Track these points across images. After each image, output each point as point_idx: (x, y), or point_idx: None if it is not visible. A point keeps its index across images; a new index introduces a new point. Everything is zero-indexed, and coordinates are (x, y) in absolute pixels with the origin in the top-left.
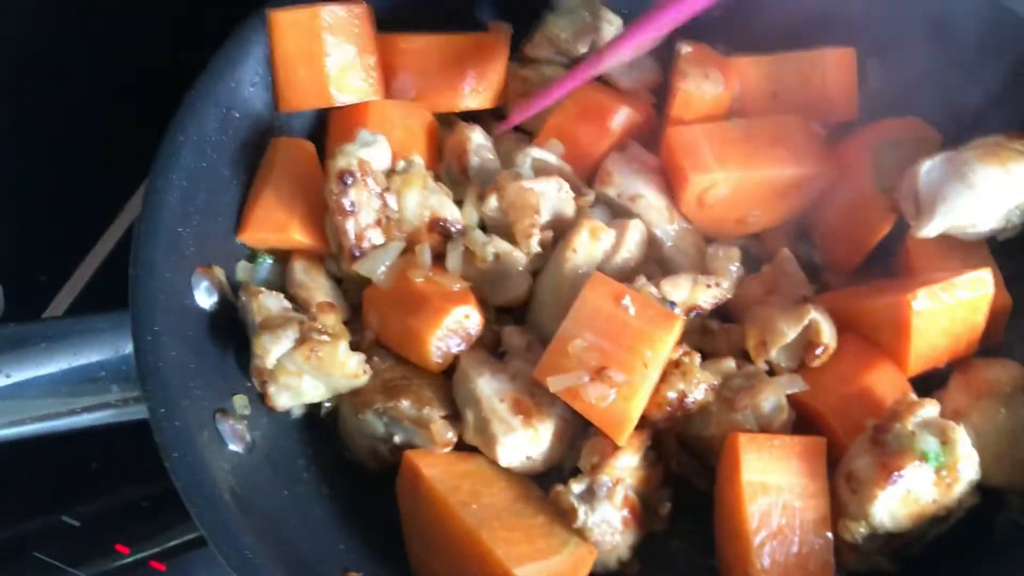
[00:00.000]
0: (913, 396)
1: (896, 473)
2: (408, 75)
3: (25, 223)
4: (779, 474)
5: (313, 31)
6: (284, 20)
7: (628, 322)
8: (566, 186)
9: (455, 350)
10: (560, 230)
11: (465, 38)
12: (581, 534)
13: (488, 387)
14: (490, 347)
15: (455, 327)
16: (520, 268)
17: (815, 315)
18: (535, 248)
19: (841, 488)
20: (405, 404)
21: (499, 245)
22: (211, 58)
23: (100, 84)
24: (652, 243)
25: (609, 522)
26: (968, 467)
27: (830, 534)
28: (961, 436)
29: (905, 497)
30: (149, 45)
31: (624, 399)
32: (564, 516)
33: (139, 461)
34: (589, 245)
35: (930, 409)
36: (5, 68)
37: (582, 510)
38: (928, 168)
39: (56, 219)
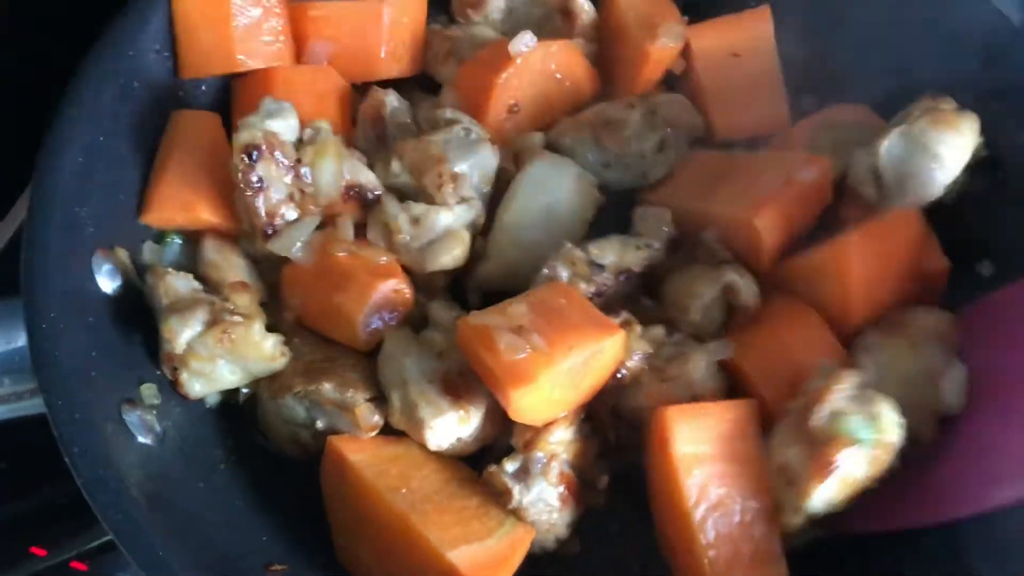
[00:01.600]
0: (830, 363)
1: (831, 466)
2: (320, 43)
3: None
4: (712, 443)
5: None
6: None
7: (569, 316)
8: (476, 129)
9: (384, 327)
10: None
11: (379, 3)
12: (517, 514)
13: (415, 367)
14: (416, 324)
15: (384, 302)
16: (448, 226)
17: (732, 276)
18: (453, 198)
19: (775, 480)
20: (327, 387)
21: (414, 209)
22: (107, 24)
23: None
24: None
25: (545, 500)
26: (896, 433)
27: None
28: (884, 407)
29: (841, 482)
30: (41, 28)
31: (534, 362)
32: (498, 497)
33: (54, 457)
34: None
35: (850, 381)
36: None
37: (516, 489)
38: (888, 147)
39: None
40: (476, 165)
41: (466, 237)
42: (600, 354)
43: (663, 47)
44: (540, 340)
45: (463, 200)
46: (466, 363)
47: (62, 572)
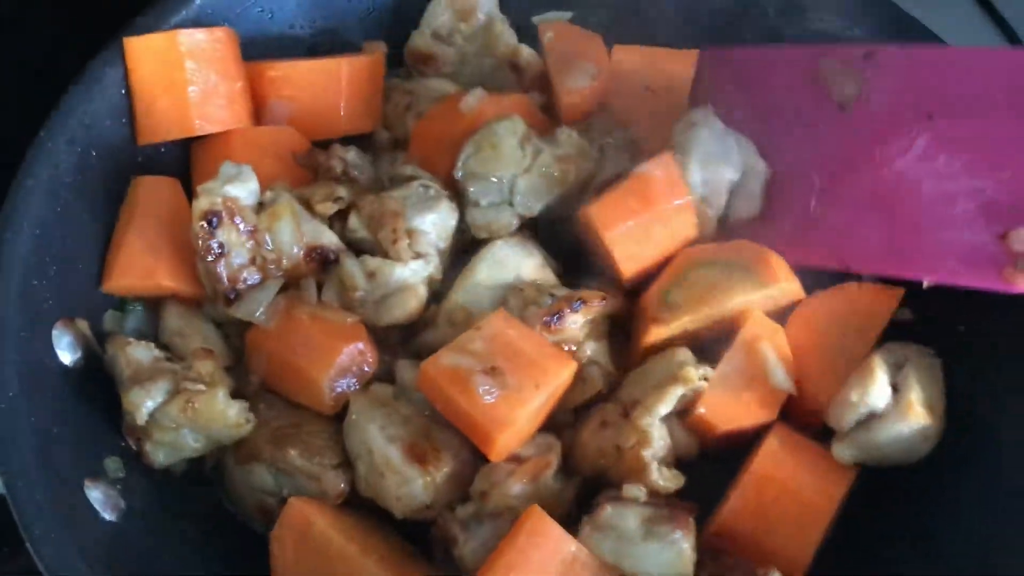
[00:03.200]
0: None
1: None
2: (280, 103)
3: None
4: None
5: (172, 57)
6: (140, 47)
7: (526, 351)
8: (435, 185)
9: (350, 390)
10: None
11: (337, 61)
12: (460, 561)
13: (380, 435)
14: (383, 378)
15: (348, 365)
16: (403, 281)
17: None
18: (407, 254)
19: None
20: (294, 454)
21: (369, 263)
22: (63, 94)
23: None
24: None
25: (488, 548)
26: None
27: None
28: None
29: None
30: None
31: (510, 404)
32: (443, 542)
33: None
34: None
35: None
36: None
37: (462, 537)
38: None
39: None
40: (434, 221)
41: (421, 292)
42: (560, 387)
43: (571, 90)
44: (512, 380)
45: (418, 256)
46: (430, 425)
47: None
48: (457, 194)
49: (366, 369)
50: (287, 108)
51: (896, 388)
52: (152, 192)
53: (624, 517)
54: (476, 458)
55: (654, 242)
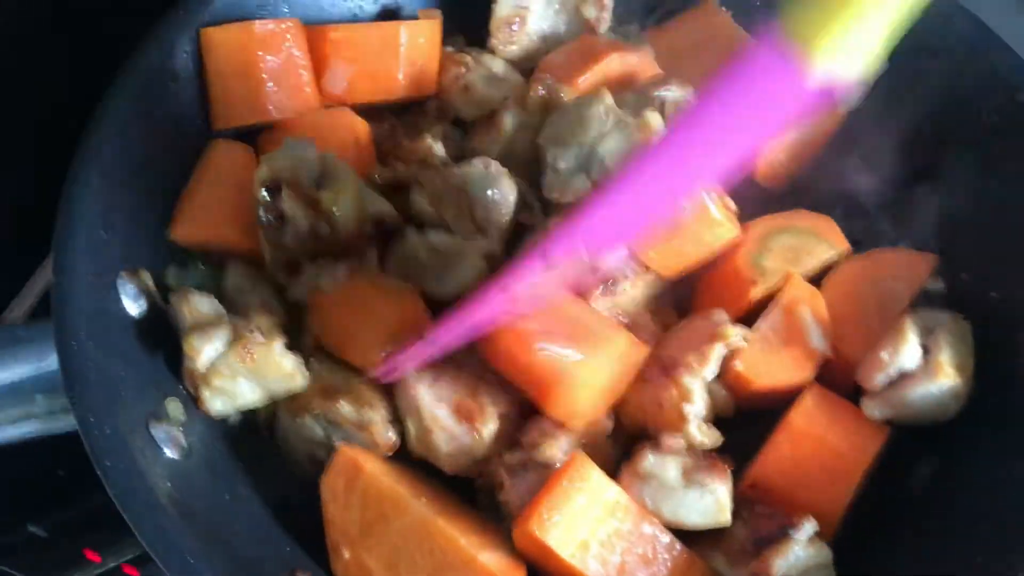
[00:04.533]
0: None
1: None
2: (340, 66)
3: None
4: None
5: (248, 48)
6: (217, 38)
7: (582, 319)
8: (495, 164)
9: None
10: None
11: (396, 25)
12: (505, 506)
13: (428, 395)
14: None
15: (400, 331)
16: (464, 255)
17: None
18: (468, 229)
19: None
20: (345, 405)
21: (431, 237)
22: (130, 55)
23: (46, 84)
24: None
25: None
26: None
27: None
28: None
29: None
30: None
31: (567, 361)
32: (491, 488)
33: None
34: None
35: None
36: None
37: (509, 482)
38: None
39: (10, 225)
40: (494, 198)
41: (481, 265)
42: (617, 358)
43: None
44: (572, 343)
45: (479, 231)
46: (477, 383)
47: None
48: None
49: (416, 332)
50: (347, 70)
51: (927, 350)
52: (227, 155)
53: (664, 466)
54: (523, 418)
55: None
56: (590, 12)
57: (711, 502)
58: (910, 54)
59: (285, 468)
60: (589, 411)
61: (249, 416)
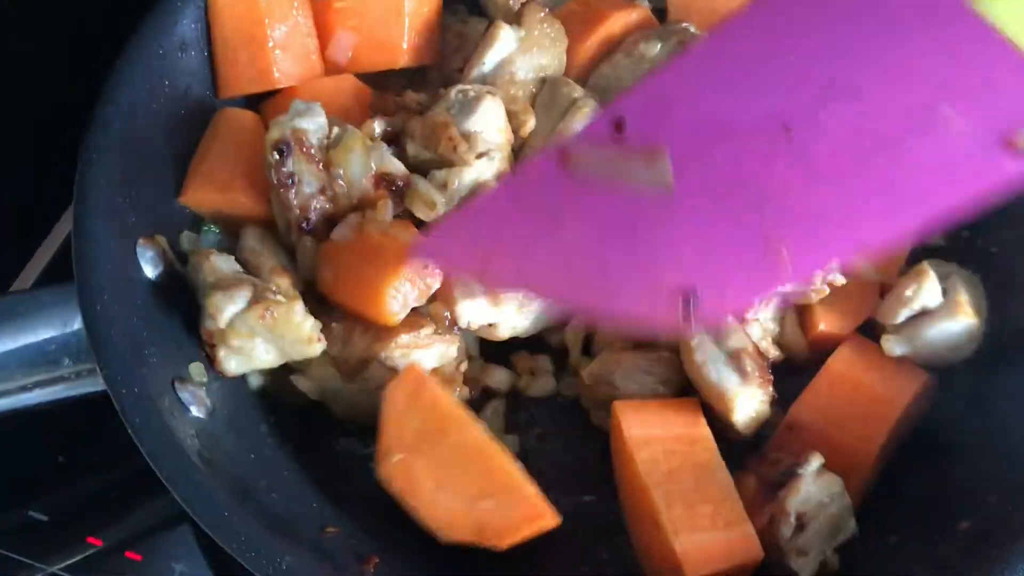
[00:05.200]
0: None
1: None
2: (345, 34)
3: None
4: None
5: (254, 15)
6: (224, 5)
7: None
8: (474, 87)
9: (412, 303)
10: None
11: None
12: None
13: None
14: None
15: (413, 278)
16: (475, 182)
17: None
18: (470, 155)
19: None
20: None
21: (437, 176)
22: (138, 26)
23: (61, 58)
24: None
25: None
26: None
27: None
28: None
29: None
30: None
31: None
32: None
33: (105, 447)
34: None
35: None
36: None
37: None
38: None
39: (20, 192)
40: (482, 119)
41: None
42: None
43: None
44: None
45: (481, 155)
46: None
47: (118, 562)
48: None
49: (430, 283)
50: (352, 39)
51: (945, 291)
52: (235, 121)
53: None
54: None
55: None
56: None
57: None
58: None
59: (306, 432)
60: None
61: (268, 381)
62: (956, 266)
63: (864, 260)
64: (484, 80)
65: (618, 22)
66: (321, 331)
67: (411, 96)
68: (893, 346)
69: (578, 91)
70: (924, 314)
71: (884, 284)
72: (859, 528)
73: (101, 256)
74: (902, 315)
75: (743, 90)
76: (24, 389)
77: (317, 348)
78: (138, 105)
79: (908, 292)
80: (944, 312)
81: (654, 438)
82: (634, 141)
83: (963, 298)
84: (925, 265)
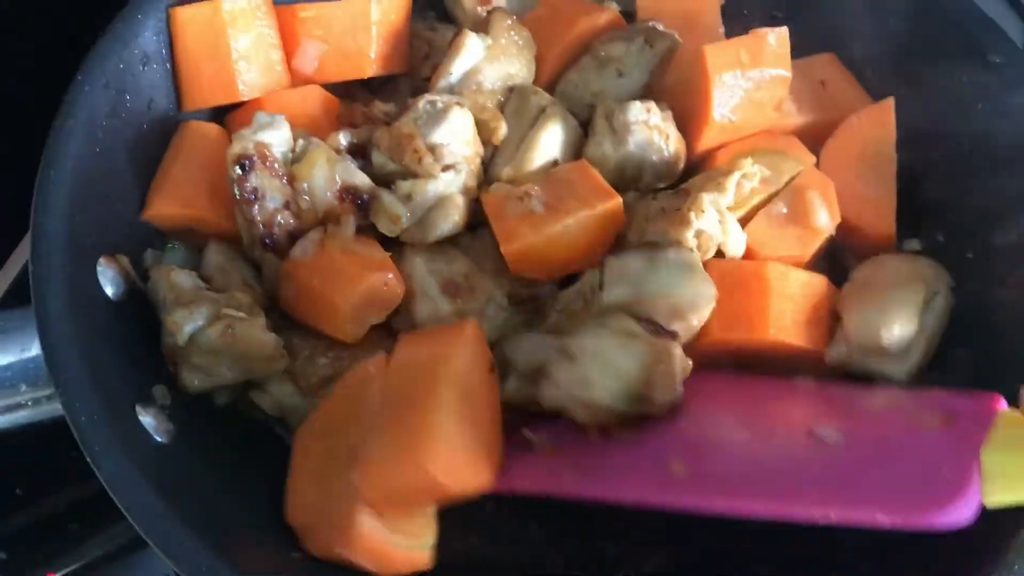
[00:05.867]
0: None
1: None
2: (312, 44)
3: None
4: None
5: (217, 26)
6: (186, 17)
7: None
8: (442, 97)
9: (372, 321)
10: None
11: (366, 2)
12: None
13: (424, 267)
14: None
15: (373, 295)
16: (440, 194)
17: None
18: (435, 168)
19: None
20: None
21: (402, 188)
22: (98, 39)
23: (17, 73)
24: None
25: None
26: None
27: None
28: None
29: None
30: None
31: (532, 219)
32: None
33: (59, 473)
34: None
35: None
36: None
37: None
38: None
39: None
40: (450, 131)
41: (460, 201)
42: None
43: None
44: (550, 203)
45: (448, 167)
46: (472, 270)
47: None
48: None
49: (391, 300)
50: (318, 49)
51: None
52: (198, 136)
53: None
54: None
55: (744, 104)
56: None
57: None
58: None
59: (274, 452)
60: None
61: (235, 395)
62: (944, 280)
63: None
64: (451, 90)
65: (586, 26)
66: (284, 347)
67: (379, 107)
68: (833, 353)
69: (546, 99)
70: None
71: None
72: None
73: (59, 277)
74: (861, 351)
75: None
76: None
77: (280, 364)
78: (98, 120)
79: (884, 333)
80: (899, 360)
81: None
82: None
83: (918, 356)
84: (914, 318)
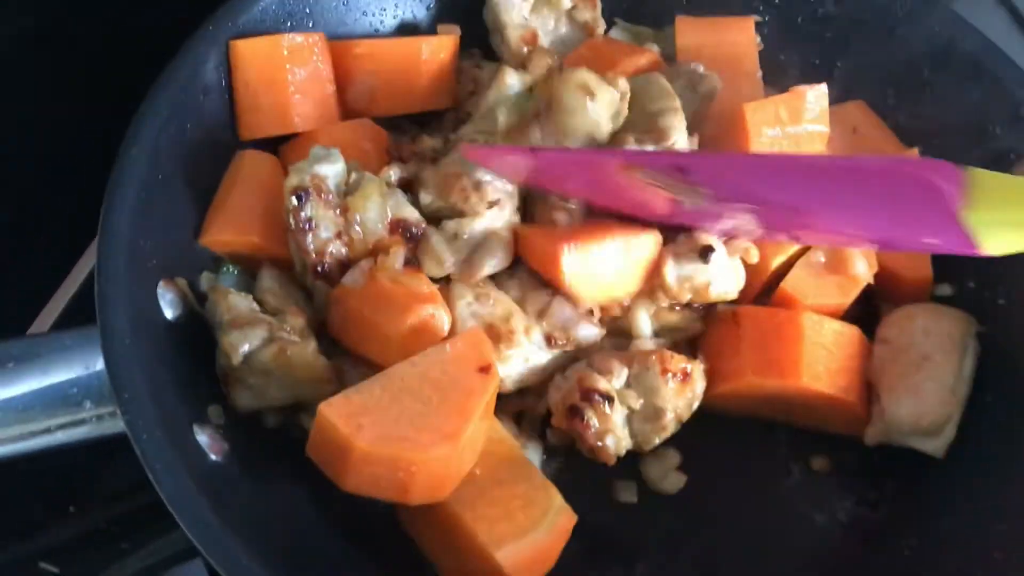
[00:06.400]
0: None
1: None
2: (364, 79)
3: (6, 239)
4: None
5: (275, 60)
6: (246, 50)
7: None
8: (481, 138)
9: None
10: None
11: (416, 40)
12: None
13: (465, 309)
14: None
15: (421, 326)
16: (485, 231)
17: None
18: (481, 205)
19: None
20: None
21: (448, 227)
22: (163, 70)
23: (82, 102)
24: None
25: None
26: None
27: None
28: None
29: None
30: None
31: (581, 232)
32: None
33: (105, 487)
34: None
35: None
36: None
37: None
38: None
39: (39, 234)
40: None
41: (506, 236)
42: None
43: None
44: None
45: (492, 204)
46: (513, 311)
47: None
48: None
49: (439, 332)
50: (370, 83)
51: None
52: (254, 164)
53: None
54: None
55: None
56: (584, 15)
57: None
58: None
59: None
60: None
61: (287, 418)
62: (973, 333)
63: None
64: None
65: (628, 67)
66: (334, 372)
67: (426, 142)
68: (870, 437)
69: None
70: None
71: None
72: None
73: (123, 299)
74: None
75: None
76: (47, 432)
77: (329, 388)
78: (161, 147)
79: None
80: (935, 440)
81: None
82: (689, 181)
83: (950, 431)
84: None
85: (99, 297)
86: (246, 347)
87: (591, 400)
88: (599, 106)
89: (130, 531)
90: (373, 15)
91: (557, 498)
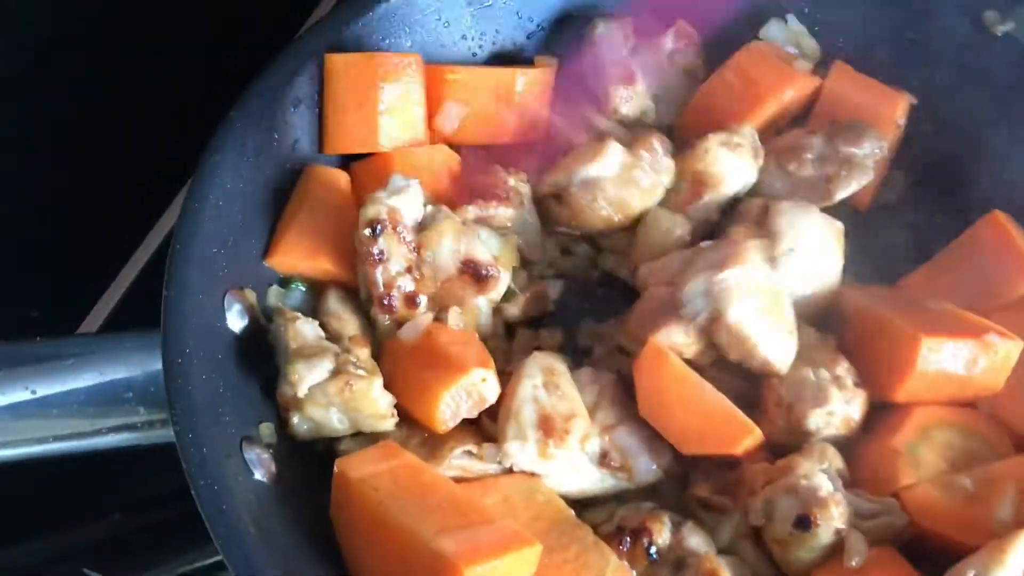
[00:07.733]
0: None
1: None
2: (454, 106)
3: (59, 238)
4: None
5: (369, 77)
6: (341, 64)
7: None
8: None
9: (463, 414)
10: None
11: (512, 71)
12: None
13: (530, 390)
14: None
15: (469, 389)
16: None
17: None
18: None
19: None
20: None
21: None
22: (256, 80)
23: (133, 103)
24: None
25: None
26: None
27: None
28: None
29: None
30: (183, 60)
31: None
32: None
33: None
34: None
35: None
36: (33, 86)
37: None
38: None
39: (90, 235)
40: None
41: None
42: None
43: None
44: None
45: None
46: (575, 411)
47: None
48: None
49: (486, 398)
50: (461, 111)
51: None
52: (324, 181)
53: None
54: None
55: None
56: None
57: None
58: None
59: None
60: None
61: (332, 444)
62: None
63: None
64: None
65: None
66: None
67: (502, 177)
68: None
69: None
70: None
71: None
72: None
73: (190, 307)
74: None
75: None
76: (98, 433)
77: (390, 423)
78: (245, 157)
79: None
80: None
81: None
82: None
83: None
84: None
85: (166, 302)
86: (312, 379)
87: None
88: None
89: (174, 538)
90: (472, 39)
91: (612, 558)
